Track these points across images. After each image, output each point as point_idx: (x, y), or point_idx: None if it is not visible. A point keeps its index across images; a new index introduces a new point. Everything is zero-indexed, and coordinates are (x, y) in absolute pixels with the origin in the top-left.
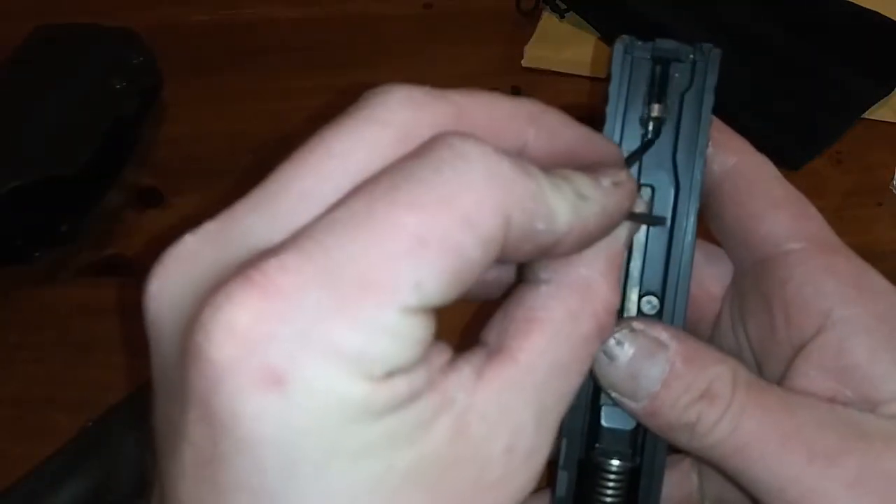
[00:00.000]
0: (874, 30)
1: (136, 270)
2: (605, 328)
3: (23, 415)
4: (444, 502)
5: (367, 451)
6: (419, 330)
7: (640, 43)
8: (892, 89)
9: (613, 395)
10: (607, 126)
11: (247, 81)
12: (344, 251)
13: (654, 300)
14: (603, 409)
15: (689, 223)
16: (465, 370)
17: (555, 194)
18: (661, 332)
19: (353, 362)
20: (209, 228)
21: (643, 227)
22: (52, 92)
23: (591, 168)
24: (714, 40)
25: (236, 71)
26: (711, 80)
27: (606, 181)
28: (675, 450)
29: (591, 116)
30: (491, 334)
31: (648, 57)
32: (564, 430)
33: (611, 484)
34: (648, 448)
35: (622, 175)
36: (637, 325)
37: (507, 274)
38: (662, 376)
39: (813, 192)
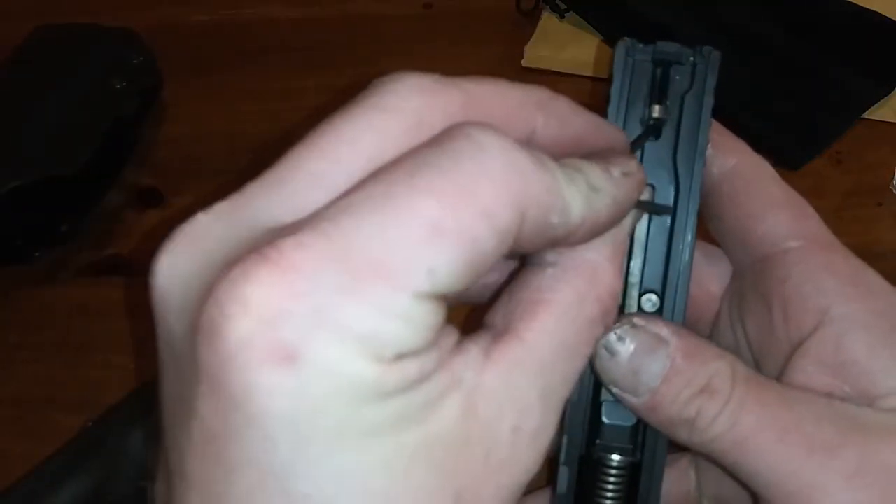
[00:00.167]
0: (874, 30)
1: (136, 270)
2: (608, 312)
3: (23, 415)
4: (452, 481)
5: (376, 430)
6: (430, 316)
7: (641, 46)
8: (892, 89)
9: (614, 390)
10: None
11: (247, 81)
12: (360, 233)
13: (655, 298)
14: (603, 405)
15: (689, 223)
16: (473, 351)
17: (569, 187)
18: (662, 328)
19: (364, 343)
20: (221, 208)
21: (643, 228)
22: (52, 92)
23: (599, 155)
24: (714, 40)
25: (236, 71)
26: (711, 83)
27: (617, 171)
28: (674, 446)
29: None
30: (497, 316)
31: (649, 59)
32: (565, 426)
33: (612, 479)
34: (649, 444)
35: (632, 165)
36: (638, 320)
37: (497, 280)
38: (663, 372)
39: (813, 192)
